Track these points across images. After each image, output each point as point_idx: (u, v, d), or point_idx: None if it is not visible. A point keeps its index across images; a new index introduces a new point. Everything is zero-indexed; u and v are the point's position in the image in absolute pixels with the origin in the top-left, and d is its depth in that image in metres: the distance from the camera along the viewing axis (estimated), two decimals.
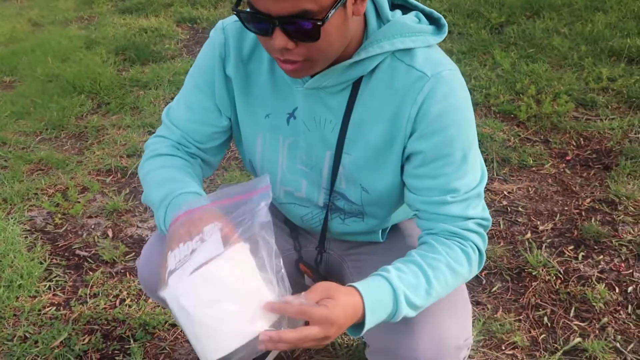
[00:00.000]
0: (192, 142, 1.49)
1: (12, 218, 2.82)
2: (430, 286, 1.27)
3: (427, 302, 1.28)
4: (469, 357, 1.96)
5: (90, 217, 2.86)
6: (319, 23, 1.11)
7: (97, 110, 3.88)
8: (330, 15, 1.11)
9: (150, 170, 1.46)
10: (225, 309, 1.12)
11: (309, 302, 1.14)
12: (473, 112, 1.33)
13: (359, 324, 1.21)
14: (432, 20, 1.34)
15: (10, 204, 2.93)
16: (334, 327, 1.14)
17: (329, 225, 1.54)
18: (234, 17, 1.38)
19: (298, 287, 1.66)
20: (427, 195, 1.33)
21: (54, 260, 2.57)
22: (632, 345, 2.05)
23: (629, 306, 2.21)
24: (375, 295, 1.21)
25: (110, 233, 2.73)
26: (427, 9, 1.34)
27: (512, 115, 3.48)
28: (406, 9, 1.34)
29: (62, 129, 3.66)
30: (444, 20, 1.32)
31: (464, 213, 1.32)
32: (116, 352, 2.13)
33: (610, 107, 3.50)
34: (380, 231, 1.58)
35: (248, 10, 1.16)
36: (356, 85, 1.31)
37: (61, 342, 2.16)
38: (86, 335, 2.19)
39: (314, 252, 1.66)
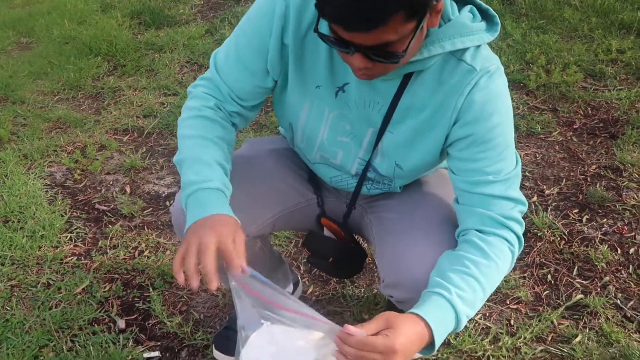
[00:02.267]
0: (236, 99, 1.52)
1: (32, 173, 2.91)
2: (484, 292, 1.34)
3: (482, 304, 1.36)
4: None
5: (108, 173, 2.94)
6: (400, 55, 1.18)
7: (113, 72, 3.95)
8: (410, 44, 1.17)
9: (191, 136, 1.49)
10: None
11: (369, 333, 1.18)
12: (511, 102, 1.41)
13: (429, 345, 1.27)
14: (483, 14, 1.38)
15: (31, 160, 3.02)
16: (398, 355, 1.17)
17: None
18: None
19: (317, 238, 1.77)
20: (470, 176, 1.39)
21: (74, 214, 2.66)
22: (631, 303, 2.13)
23: (630, 266, 2.28)
24: (441, 323, 1.27)
25: (128, 189, 2.82)
26: (483, 4, 1.38)
27: (522, 84, 3.53)
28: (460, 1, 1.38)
29: (79, 90, 3.73)
30: (497, 19, 1.37)
31: (505, 193, 1.38)
32: (136, 299, 2.22)
33: (618, 78, 3.55)
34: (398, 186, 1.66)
35: (330, 35, 1.20)
36: (407, 75, 1.37)
37: (83, 288, 2.26)
38: (107, 283, 2.28)
39: (335, 206, 1.75)
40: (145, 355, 2.00)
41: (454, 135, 1.39)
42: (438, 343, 1.26)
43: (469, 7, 1.36)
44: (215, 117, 1.51)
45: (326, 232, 1.82)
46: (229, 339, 1.96)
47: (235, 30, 1.51)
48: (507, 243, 1.39)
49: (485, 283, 1.34)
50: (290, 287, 2.09)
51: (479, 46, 1.36)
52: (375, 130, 1.46)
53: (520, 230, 1.41)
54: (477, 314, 2.08)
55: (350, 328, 1.17)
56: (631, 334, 2.01)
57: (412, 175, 1.56)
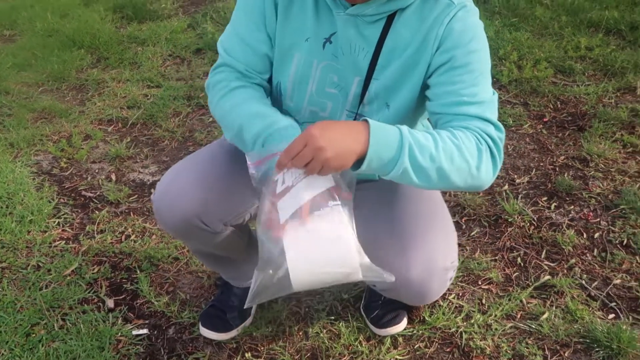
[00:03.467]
0: (253, 73, 1.60)
1: (19, 161, 2.97)
2: (437, 152, 1.35)
3: (430, 167, 1.35)
4: (449, 288, 2.17)
5: (94, 162, 3.01)
6: None
7: (97, 65, 4.02)
8: None
9: (234, 105, 1.55)
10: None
11: None
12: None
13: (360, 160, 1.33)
14: None
15: (17, 149, 3.08)
16: (317, 139, 1.27)
17: None
18: None
19: None
20: (445, 98, 1.46)
21: (62, 200, 2.73)
22: (595, 283, 2.26)
23: (595, 250, 2.41)
24: (382, 128, 1.33)
25: (113, 177, 2.90)
26: None
27: (495, 79, 3.66)
28: None
29: (63, 81, 3.79)
30: None
31: (481, 114, 1.44)
32: (124, 280, 2.30)
33: (586, 74, 3.70)
34: None
35: None
36: (390, 18, 1.48)
37: (72, 270, 2.33)
38: (95, 266, 2.36)
39: None
40: (134, 332, 2.08)
41: (435, 63, 1.48)
42: (372, 149, 1.31)
43: None
44: (246, 84, 1.58)
45: None
46: (214, 316, 2.05)
47: (233, 12, 1.60)
48: (475, 139, 1.41)
49: (440, 142, 1.36)
50: None
51: None
52: (361, 79, 1.54)
53: (494, 148, 1.43)
54: (450, 294, 2.19)
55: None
56: (595, 311, 2.14)
57: (400, 116, 1.59)
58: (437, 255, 1.60)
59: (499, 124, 1.47)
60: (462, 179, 1.41)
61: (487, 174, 1.44)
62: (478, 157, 1.41)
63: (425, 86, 1.54)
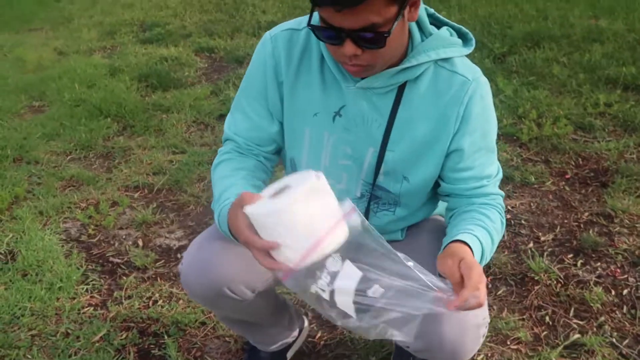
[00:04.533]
0: (254, 146, 1.66)
1: (48, 229, 3.03)
2: (493, 240, 1.53)
3: (493, 249, 1.55)
4: (479, 349, 2.14)
5: (121, 228, 3.06)
6: (385, 35, 1.32)
7: (123, 133, 4.11)
8: (394, 26, 1.32)
9: (215, 180, 1.63)
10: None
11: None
12: None
13: None
14: (459, 34, 1.56)
15: (46, 217, 3.14)
16: (482, 276, 1.36)
17: None
18: (280, 27, 1.58)
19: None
20: (465, 184, 1.58)
21: (90, 266, 2.77)
22: (627, 341, 2.23)
23: (624, 307, 2.39)
24: (474, 244, 1.46)
25: (140, 242, 2.94)
26: (455, 25, 1.56)
27: (515, 137, 3.69)
28: (437, 24, 1.56)
29: (91, 149, 3.88)
30: (470, 35, 1.55)
31: (495, 190, 1.62)
32: (152, 346, 2.31)
33: (607, 130, 3.72)
34: (400, 230, 1.77)
35: (321, 25, 1.35)
36: (401, 88, 1.52)
37: (101, 337, 2.35)
38: (124, 332, 2.38)
39: None
40: None
41: (454, 145, 1.54)
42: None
43: (445, 27, 1.54)
44: (232, 156, 1.65)
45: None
46: None
47: (239, 90, 1.68)
48: (497, 212, 1.60)
49: (492, 230, 1.53)
50: (296, 332, 2.18)
51: (464, 59, 1.53)
52: (375, 150, 1.57)
53: (503, 210, 1.62)
54: (479, 354, 2.17)
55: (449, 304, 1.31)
56: None
57: (420, 190, 1.65)
58: (469, 313, 1.59)
59: (500, 191, 1.65)
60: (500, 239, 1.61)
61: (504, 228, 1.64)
62: (502, 227, 1.60)
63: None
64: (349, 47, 1.35)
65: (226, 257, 1.64)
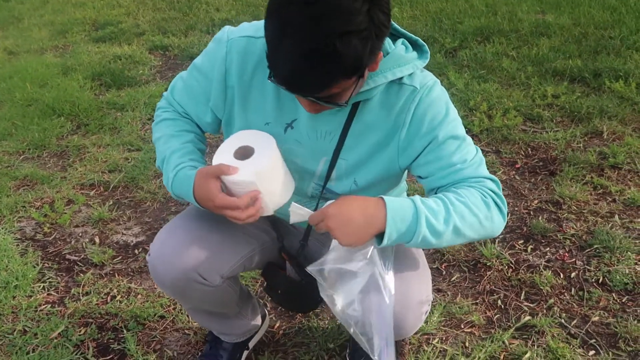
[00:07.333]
0: (188, 117, 1.73)
1: (2, 228, 3.00)
2: (449, 214, 1.46)
3: (446, 231, 1.46)
4: (433, 333, 2.20)
5: (77, 226, 3.04)
6: (344, 104, 1.38)
7: (77, 131, 4.08)
8: (352, 95, 1.38)
9: (162, 136, 1.69)
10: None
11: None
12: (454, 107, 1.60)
13: (380, 235, 1.45)
14: (413, 44, 1.58)
15: (0, 216, 3.10)
16: (330, 218, 1.41)
17: None
18: (239, 31, 1.59)
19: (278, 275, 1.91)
20: (440, 172, 1.56)
21: (46, 264, 2.75)
22: (575, 321, 2.31)
23: (572, 289, 2.48)
24: (398, 205, 1.44)
25: (97, 239, 2.93)
26: (412, 36, 1.58)
27: (467, 129, 3.72)
28: (393, 35, 1.57)
29: (44, 149, 3.84)
30: (426, 48, 1.57)
31: (476, 174, 1.55)
32: (111, 340, 2.32)
33: (554, 120, 3.83)
34: None
35: (282, 85, 1.33)
36: (355, 104, 1.55)
37: (59, 333, 2.34)
38: (82, 327, 2.38)
39: (294, 242, 1.89)
40: None
41: (414, 148, 1.56)
42: (390, 224, 1.42)
43: (401, 40, 1.56)
44: (175, 116, 1.73)
45: (288, 267, 1.95)
46: None
47: (194, 61, 1.70)
48: (480, 194, 1.52)
49: (449, 205, 1.47)
50: (259, 320, 2.21)
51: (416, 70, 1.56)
52: (328, 159, 1.61)
53: (498, 199, 1.54)
54: (434, 338, 2.23)
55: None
56: (575, 349, 2.19)
57: (369, 189, 1.67)
58: (412, 290, 1.65)
59: (492, 176, 1.58)
60: (475, 232, 1.52)
61: (498, 223, 1.56)
62: (486, 209, 1.52)
63: (405, 168, 1.64)
64: (307, 104, 1.42)
65: (195, 242, 1.67)
